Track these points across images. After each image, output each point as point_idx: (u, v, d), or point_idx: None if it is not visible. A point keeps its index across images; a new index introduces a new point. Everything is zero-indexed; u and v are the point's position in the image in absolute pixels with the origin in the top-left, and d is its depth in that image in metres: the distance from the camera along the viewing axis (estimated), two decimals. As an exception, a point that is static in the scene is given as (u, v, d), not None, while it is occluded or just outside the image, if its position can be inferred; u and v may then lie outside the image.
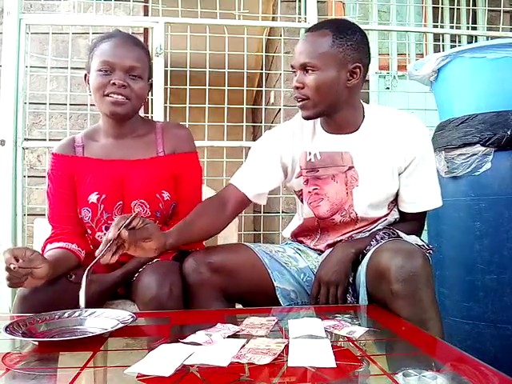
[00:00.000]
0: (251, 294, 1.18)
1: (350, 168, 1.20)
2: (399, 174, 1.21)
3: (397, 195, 1.24)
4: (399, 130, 1.19)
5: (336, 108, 1.18)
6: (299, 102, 1.17)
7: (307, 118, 1.20)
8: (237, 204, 1.23)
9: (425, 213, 1.26)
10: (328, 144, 1.22)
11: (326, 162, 1.22)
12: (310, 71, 1.14)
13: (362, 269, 1.10)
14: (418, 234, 1.23)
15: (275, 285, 1.17)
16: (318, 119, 1.25)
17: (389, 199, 1.24)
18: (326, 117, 1.21)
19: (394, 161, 1.19)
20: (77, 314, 0.95)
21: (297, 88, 1.16)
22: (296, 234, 1.36)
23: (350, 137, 1.21)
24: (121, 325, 0.87)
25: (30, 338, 0.82)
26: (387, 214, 1.25)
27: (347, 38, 1.14)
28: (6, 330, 0.82)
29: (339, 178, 1.21)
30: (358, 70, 1.15)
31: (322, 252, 1.27)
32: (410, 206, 1.23)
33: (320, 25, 1.21)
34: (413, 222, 1.25)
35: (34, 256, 1.02)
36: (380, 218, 1.24)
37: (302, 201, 1.28)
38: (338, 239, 1.25)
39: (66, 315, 0.94)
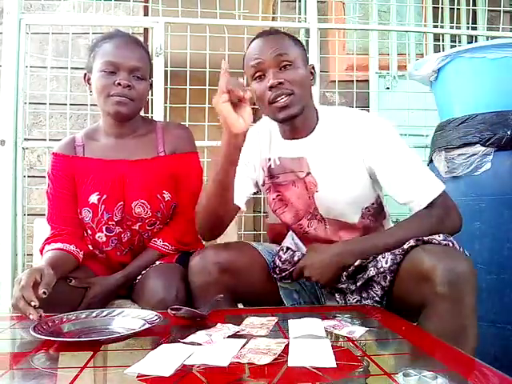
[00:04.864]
0: (257, 294, 1.16)
1: (308, 174, 1.18)
2: (372, 178, 1.16)
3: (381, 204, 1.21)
4: (352, 130, 1.15)
5: (306, 107, 1.15)
6: (283, 99, 1.10)
7: (289, 118, 1.13)
8: (232, 217, 1.20)
9: (437, 201, 1.09)
10: (285, 150, 1.21)
11: (285, 168, 1.21)
12: (287, 66, 1.11)
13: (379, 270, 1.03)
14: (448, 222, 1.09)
15: (278, 284, 1.17)
16: (275, 125, 1.22)
17: (358, 204, 1.19)
18: (284, 122, 1.17)
19: (354, 162, 1.14)
20: (105, 313, 0.95)
21: (279, 84, 1.09)
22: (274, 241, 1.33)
23: (304, 141, 1.19)
24: (148, 325, 0.87)
25: (58, 338, 0.81)
26: (360, 227, 1.20)
27: (300, 43, 1.19)
28: (34, 330, 0.82)
29: (299, 184, 1.19)
30: (313, 70, 1.19)
31: None
32: (411, 205, 1.12)
33: (271, 31, 1.20)
34: (429, 211, 1.09)
35: (52, 278, 1.00)
36: (352, 227, 1.20)
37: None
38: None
39: (93, 315, 0.94)
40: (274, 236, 1.36)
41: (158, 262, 1.26)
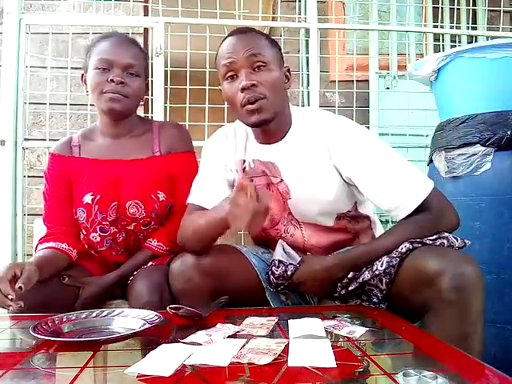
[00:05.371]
0: (241, 297, 1.10)
1: (281, 181, 1.15)
2: (350, 185, 1.13)
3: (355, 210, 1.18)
4: (323, 138, 1.10)
5: (279, 112, 1.10)
6: (254, 103, 1.05)
7: (262, 123, 1.09)
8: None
9: (427, 203, 1.04)
10: (258, 153, 1.18)
11: (258, 172, 1.18)
12: (260, 67, 1.06)
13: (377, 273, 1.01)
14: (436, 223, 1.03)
15: (265, 286, 1.13)
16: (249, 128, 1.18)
17: (332, 211, 1.16)
18: (255, 126, 1.13)
19: (326, 170, 1.11)
20: (105, 313, 0.95)
21: (251, 86, 1.04)
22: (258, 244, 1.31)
23: (276, 147, 1.15)
24: (148, 325, 0.87)
25: (58, 338, 0.81)
26: (337, 229, 1.19)
27: (276, 44, 1.14)
28: (34, 330, 0.81)
29: (273, 188, 1.17)
30: (288, 73, 1.14)
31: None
32: (396, 212, 1.06)
33: (245, 29, 1.14)
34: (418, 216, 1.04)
35: (32, 274, 1.01)
36: (329, 229, 1.18)
37: None
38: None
39: (93, 315, 0.94)
40: (254, 238, 1.34)
41: (150, 263, 1.25)
